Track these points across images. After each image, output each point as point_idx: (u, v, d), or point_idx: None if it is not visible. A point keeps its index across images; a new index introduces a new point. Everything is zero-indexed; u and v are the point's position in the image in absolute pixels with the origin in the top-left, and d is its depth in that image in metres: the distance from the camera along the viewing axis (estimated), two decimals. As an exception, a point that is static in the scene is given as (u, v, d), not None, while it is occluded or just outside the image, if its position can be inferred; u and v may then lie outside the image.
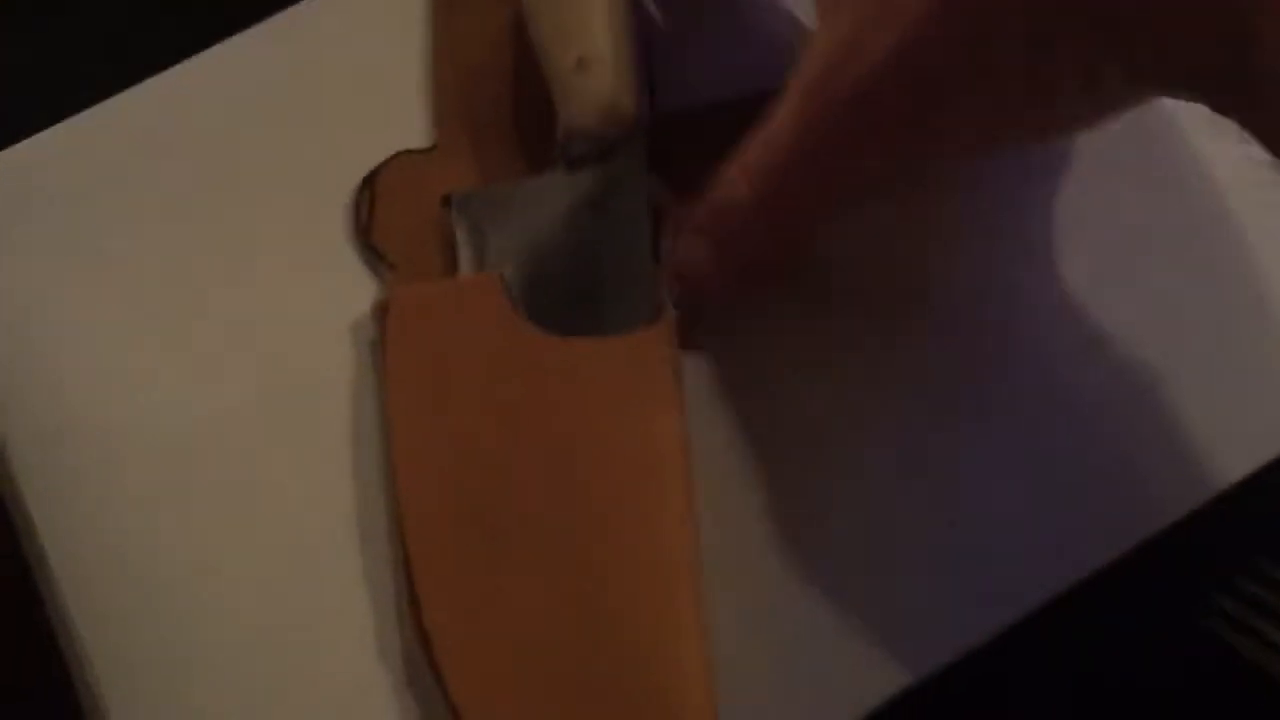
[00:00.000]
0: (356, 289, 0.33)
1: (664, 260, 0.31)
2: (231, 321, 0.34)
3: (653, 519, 0.28)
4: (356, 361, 0.33)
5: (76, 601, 0.30)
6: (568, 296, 0.31)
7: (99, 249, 0.35)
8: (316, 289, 0.34)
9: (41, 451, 0.32)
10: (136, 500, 0.31)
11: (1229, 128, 0.23)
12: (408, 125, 0.36)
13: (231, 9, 0.38)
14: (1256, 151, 0.23)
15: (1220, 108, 0.23)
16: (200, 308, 0.34)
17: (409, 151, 0.35)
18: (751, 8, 0.36)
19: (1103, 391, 0.30)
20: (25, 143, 0.36)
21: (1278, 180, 0.24)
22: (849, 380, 0.31)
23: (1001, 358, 0.31)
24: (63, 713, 0.29)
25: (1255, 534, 0.30)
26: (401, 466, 0.29)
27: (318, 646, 0.29)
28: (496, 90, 0.36)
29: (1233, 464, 0.29)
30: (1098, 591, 0.28)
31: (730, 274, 0.30)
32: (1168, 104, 0.31)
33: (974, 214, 0.32)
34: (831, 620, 0.28)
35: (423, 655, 0.27)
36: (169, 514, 0.31)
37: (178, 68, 0.37)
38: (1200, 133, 0.33)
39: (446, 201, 0.33)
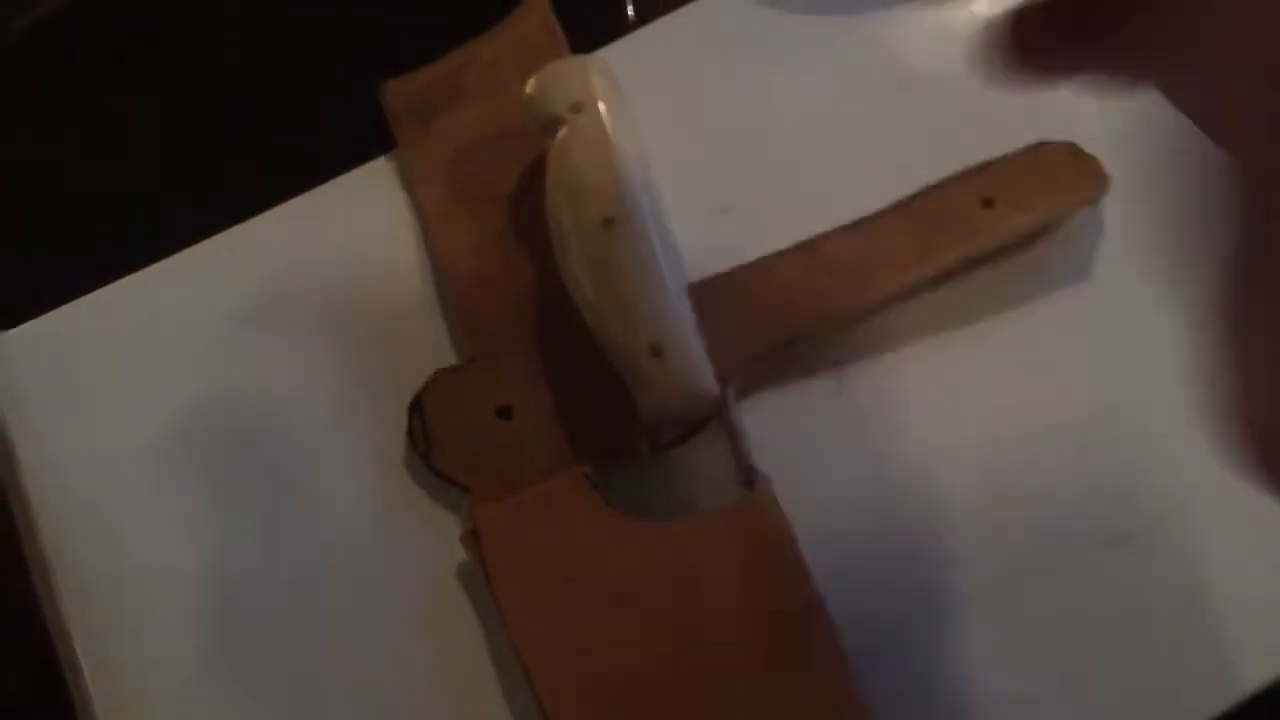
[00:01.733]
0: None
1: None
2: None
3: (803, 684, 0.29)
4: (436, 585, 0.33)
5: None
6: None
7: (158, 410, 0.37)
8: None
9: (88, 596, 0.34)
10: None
11: None
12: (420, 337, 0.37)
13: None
14: None
15: None
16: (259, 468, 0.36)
17: (446, 370, 0.36)
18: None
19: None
20: (87, 299, 0.39)
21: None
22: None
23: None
24: None
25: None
26: (541, 672, 0.30)
27: None
28: (514, 294, 0.37)
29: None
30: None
31: None
32: None
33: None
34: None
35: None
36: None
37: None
38: None
39: (502, 413, 0.34)
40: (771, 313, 0.34)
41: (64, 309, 0.39)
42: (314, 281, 0.39)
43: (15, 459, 0.36)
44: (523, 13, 0.42)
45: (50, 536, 0.35)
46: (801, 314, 0.34)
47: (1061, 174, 0.35)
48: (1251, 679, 0.30)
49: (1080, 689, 0.30)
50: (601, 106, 0.35)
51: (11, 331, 0.38)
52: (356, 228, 0.40)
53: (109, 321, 0.38)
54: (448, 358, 0.37)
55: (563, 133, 0.35)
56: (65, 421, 0.37)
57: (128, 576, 0.34)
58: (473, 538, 0.32)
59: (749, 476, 0.31)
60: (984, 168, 0.36)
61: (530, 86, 0.37)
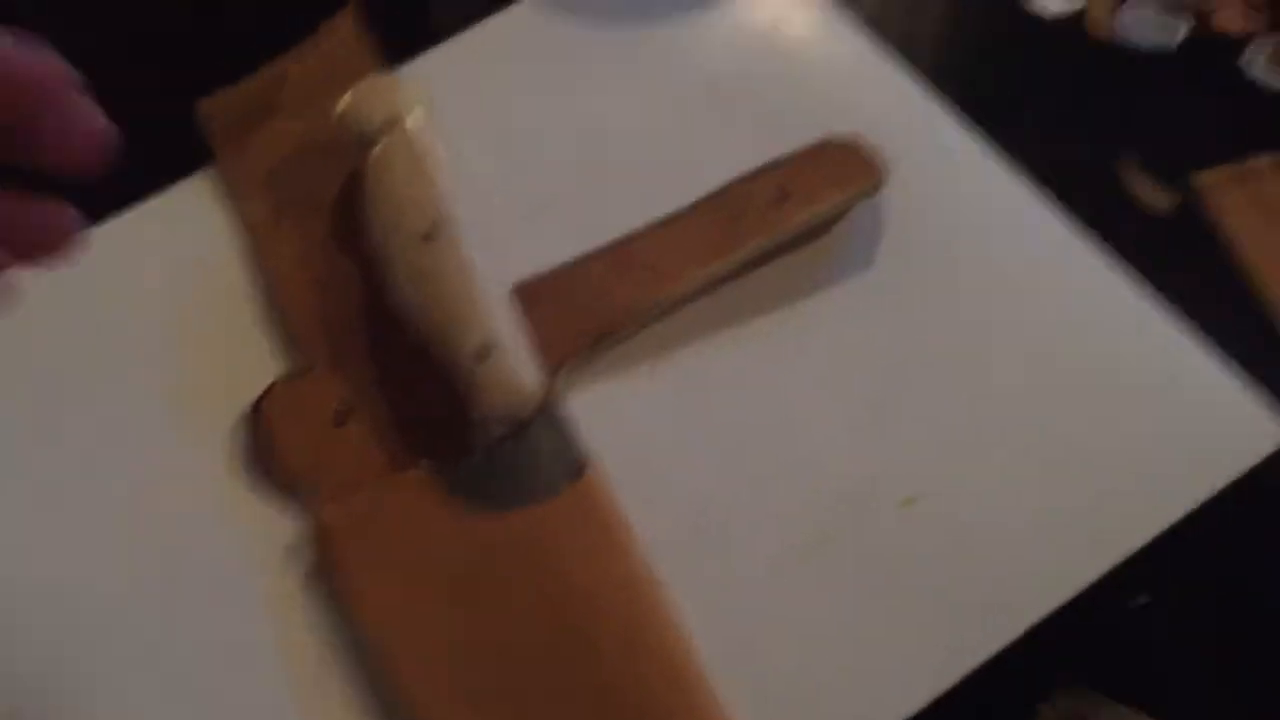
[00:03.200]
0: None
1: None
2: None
3: (643, 646, 0.31)
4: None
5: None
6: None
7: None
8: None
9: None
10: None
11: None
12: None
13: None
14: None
15: None
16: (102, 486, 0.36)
17: (284, 378, 0.37)
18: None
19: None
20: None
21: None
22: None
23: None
24: None
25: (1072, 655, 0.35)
26: (401, 666, 0.31)
27: None
28: (344, 302, 0.38)
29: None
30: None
31: None
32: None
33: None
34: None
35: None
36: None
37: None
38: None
39: (339, 419, 0.35)
40: (589, 311, 0.36)
41: None
42: (142, 295, 0.39)
43: None
44: (330, 29, 0.43)
45: None
46: (616, 310, 0.37)
47: (847, 166, 0.38)
48: (1024, 617, 0.33)
49: (884, 631, 0.33)
50: (412, 123, 0.37)
51: None
52: (184, 242, 0.40)
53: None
54: (282, 368, 0.38)
55: (377, 150, 0.37)
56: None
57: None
58: (321, 537, 0.33)
59: (579, 464, 0.33)
60: (778, 164, 0.39)
61: (343, 104, 0.38)
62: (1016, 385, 0.36)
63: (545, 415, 0.34)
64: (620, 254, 0.38)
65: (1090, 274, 0.38)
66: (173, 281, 0.39)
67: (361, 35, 0.43)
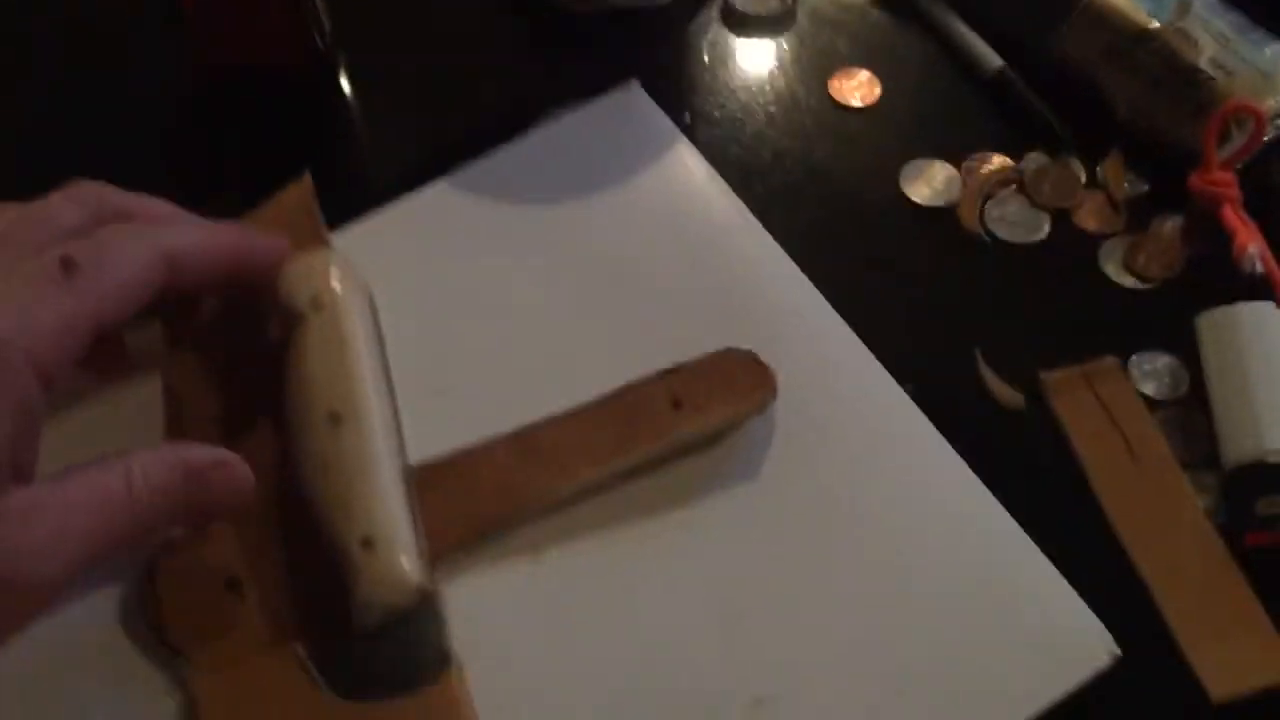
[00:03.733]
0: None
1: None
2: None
3: None
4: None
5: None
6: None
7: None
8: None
9: None
10: None
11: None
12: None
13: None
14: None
15: None
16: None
17: (184, 538, 0.38)
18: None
19: None
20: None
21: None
22: None
23: None
24: None
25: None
26: None
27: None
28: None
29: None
30: None
31: None
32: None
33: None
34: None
35: None
36: None
37: None
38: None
39: (232, 585, 0.37)
40: (485, 500, 0.38)
41: None
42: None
43: None
44: (287, 194, 0.45)
45: None
46: (513, 500, 0.38)
47: (741, 380, 0.40)
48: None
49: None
50: (338, 306, 0.38)
51: None
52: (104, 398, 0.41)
53: None
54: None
55: (300, 328, 0.38)
56: None
57: None
58: (193, 706, 0.35)
59: (444, 663, 0.35)
60: (676, 370, 0.41)
61: (278, 280, 0.39)
62: (867, 591, 0.38)
63: (422, 608, 0.35)
64: (521, 443, 0.39)
65: (951, 482, 0.41)
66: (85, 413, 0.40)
67: (315, 204, 0.45)
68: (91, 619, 0.37)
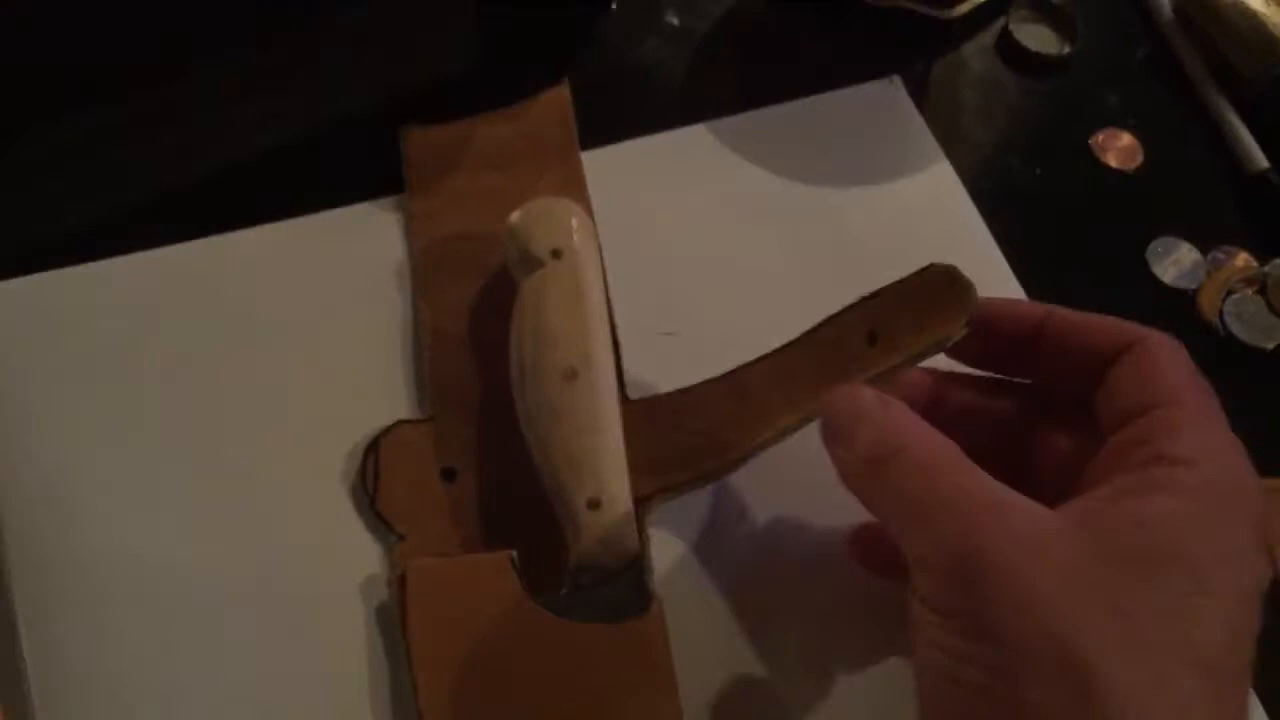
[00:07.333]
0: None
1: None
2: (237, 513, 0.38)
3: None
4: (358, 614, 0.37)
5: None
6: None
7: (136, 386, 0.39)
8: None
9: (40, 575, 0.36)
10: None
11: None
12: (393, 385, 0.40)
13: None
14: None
15: None
16: (214, 471, 0.38)
17: (406, 422, 0.39)
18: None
19: None
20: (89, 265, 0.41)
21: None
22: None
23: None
24: None
25: None
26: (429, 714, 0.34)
27: None
28: (480, 366, 0.39)
29: None
30: None
31: None
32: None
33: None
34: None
35: None
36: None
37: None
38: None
39: (447, 475, 0.38)
40: (696, 449, 0.37)
41: (54, 274, 0.41)
42: (299, 301, 0.41)
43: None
44: (546, 98, 0.45)
45: (7, 502, 0.37)
46: (723, 450, 0.37)
47: (941, 301, 0.34)
48: None
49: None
50: (578, 256, 0.38)
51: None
52: (355, 260, 0.42)
53: (94, 297, 0.41)
54: (412, 408, 0.40)
55: (538, 275, 0.38)
56: (37, 387, 0.39)
57: (80, 553, 0.36)
58: (399, 584, 0.35)
59: (646, 601, 0.35)
60: (876, 295, 0.35)
61: (515, 219, 0.39)
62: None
63: (633, 566, 0.36)
64: (734, 385, 0.38)
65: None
66: (333, 295, 0.42)
67: (572, 119, 0.45)
68: (316, 480, 0.39)
